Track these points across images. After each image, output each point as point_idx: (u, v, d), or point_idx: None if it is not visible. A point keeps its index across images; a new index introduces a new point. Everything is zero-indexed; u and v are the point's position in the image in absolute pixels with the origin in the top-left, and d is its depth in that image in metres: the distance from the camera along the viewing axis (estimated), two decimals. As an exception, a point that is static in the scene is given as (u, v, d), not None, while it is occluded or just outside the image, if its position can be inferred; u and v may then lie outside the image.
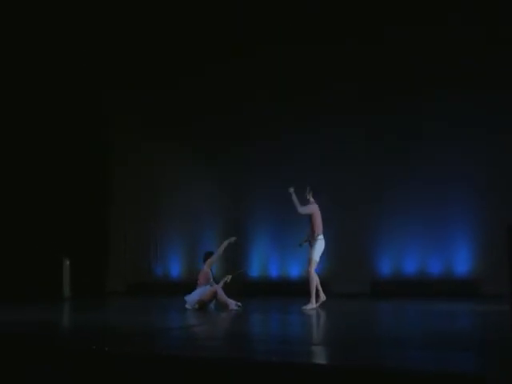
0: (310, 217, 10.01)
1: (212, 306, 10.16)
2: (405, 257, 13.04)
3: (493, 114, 12.17)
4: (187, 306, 9.92)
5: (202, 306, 9.91)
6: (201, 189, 14.95)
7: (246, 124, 14.43)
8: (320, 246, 9.88)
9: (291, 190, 9.88)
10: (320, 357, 5.61)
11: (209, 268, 10.19)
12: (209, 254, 10.37)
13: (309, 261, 9.93)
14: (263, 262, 14.22)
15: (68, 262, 14.31)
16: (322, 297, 10.12)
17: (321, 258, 10.05)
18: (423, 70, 12.82)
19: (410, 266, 13.01)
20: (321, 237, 9.90)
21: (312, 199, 10.07)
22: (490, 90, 12.19)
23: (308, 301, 9.85)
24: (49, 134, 15.54)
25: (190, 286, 10.42)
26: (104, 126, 16.42)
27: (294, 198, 9.87)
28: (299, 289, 10.42)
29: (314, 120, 13.79)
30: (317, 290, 9.99)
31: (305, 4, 13.74)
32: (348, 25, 13.45)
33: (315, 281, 9.88)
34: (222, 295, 9.92)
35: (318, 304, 9.98)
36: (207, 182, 14.86)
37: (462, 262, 12.60)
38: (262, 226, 14.24)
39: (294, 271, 13.53)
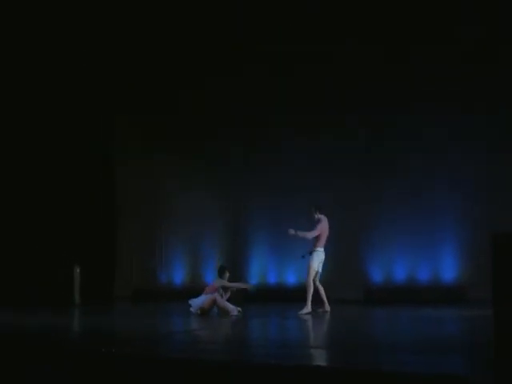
0: None
1: (215, 311, 10.45)
2: (395, 264, 13.20)
3: (492, 122, 12.21)
4: (192, 309, 10.30)
5: (204, 312, 10.27)
6: (201, 196, 14.96)
7: (246, 125, 14.45)
8: (318, 257, 10.34)
9: (291, 232, 10.20)
10: (318, 360, 5.68)
11: (219, 285, 10.44)
12: (222, 269, 10.69)
13: (307, 269, 10.35)
14: (262, 270, 14.35)
15: (78, 270, 14.57)
16: (326, 307, 10.40)
17: (322, 269, 10.45)
18: (423, 70, 12.83)
19: (400, 273, 13.17)
20: (320, 249, 10.35)
21: (320, 215, 10.45)
22: (490, 90, 12.21)
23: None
24: (50, 137, 15.59)
25: (193, 292, 10.76)
26: (104, 128, 16.41)
27: (299, 233, 10.24)
28: (296, 295, 10.76)
29: (313, 120, 13.78)
30: (321, 300, 10.39)
31: (305, 4, 13.73)
32: (348, 25, 13.45)
33: (312, 288, 10.24)
34: (221, 302, 10.27)
35: (325, 309, 10.32)
36: (207, 189, 14.90)
37: (448, 269, 12.76)
38: (261, 235, 14.34)
39: (292, 278, 13.71)
